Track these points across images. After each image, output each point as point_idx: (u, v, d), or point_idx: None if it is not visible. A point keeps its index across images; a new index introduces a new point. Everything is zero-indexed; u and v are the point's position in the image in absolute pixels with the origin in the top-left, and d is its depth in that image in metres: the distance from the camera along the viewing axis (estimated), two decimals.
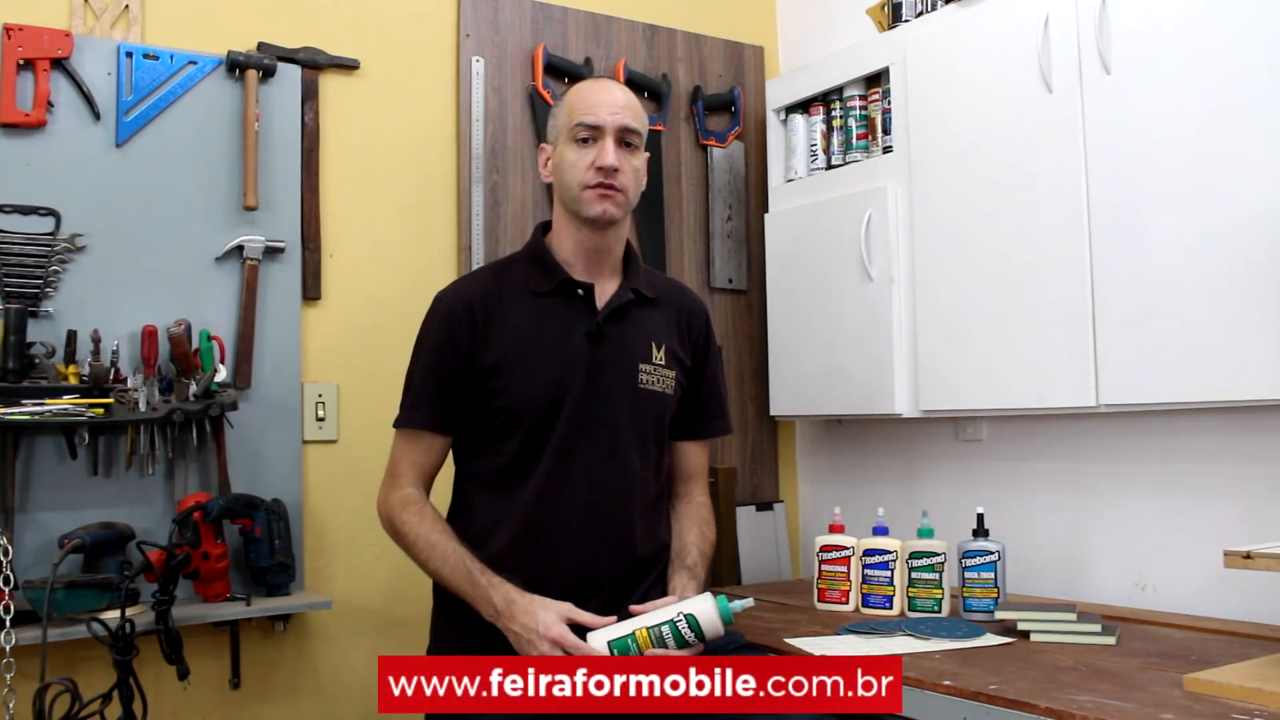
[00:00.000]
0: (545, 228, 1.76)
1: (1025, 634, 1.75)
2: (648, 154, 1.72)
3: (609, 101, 1.64)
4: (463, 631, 1.65)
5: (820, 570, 2.10)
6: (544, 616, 1.50)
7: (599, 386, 1.65)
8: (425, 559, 1.63)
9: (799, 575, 2.71)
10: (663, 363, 1.71)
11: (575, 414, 1.64)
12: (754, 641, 1.80)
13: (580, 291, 1.68)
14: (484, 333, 1.65)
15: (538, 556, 1.61)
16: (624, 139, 1.64)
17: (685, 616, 1.48)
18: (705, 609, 1.48)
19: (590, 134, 1.63)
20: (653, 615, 1.50)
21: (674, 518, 1.78)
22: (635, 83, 2.56)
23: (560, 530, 1.62)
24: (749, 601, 1.51)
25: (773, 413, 2.58)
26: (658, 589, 1.68)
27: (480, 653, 1.49)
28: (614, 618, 1.53)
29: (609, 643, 1.48)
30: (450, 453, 1.74)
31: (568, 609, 1.52)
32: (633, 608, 1.55)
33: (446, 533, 1.63)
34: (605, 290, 1.70)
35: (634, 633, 1.48)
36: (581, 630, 1.51)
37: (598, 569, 1.63)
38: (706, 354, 1.80)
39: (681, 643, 1.48)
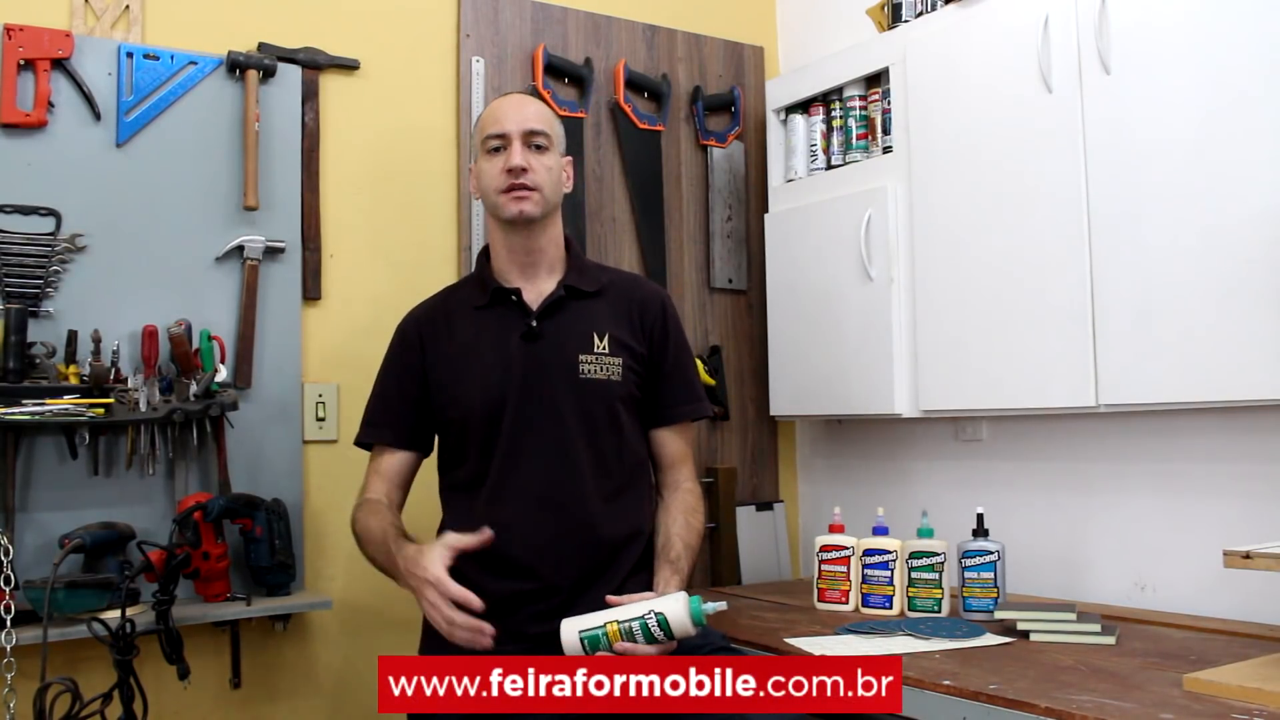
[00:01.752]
0: (487, 251, 1.84)
1: (1025, 634, 1.75)
2: (569, 157, 1.82)
3: (513, 111, 1.75)
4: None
5: (820, 570, 2.10)
6: (424, 560, 1.54)
7: (539, 383, 1.71)
8: (366, 549, 1.72)
9: (799, 575, 2.71)
10: (606, 351, 1.75)
11: (518, 413, 1.70)
12: (745, 642, 1.81)
13: (513, 297, 1.75)
14: (433, 352, 1.77)
15: (497, 552, 1.65)
16: (531, 142, 1.72)
17: (656, 615, 1.49)
18: (676, 609, 1.49)
19: (499, 142, 1.73)
20: (626, 609, 1.52)
21: (661, 510, 1.79)
22: (635, 83, 2.57)
23: (515, 526, 1.66)
24: (721, 605, 1.52)
25: (773, 413, 2.58)
26: (635, 578, 1.70)
27: (469, 649, 1.52)
28: (595, 612, 1.54)
29: (580, 633, 1.50)
30: (437, 469, 1.83)
31: (451, 539, 1.56)
32: (609, 598, 1.57)
33: (380, 516, 1.72)
34: (542, 291, 1.77)
35: (605, 626, 1.50)
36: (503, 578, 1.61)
37: (559, 560, 1.67)
38: (665, 340, 1.82)
39: (650, 639, 1.49)
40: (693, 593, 1.54)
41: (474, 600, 1.49)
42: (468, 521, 1.69)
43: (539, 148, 1.73)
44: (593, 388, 1.72)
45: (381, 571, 1.70)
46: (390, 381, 1.81)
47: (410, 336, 1.80)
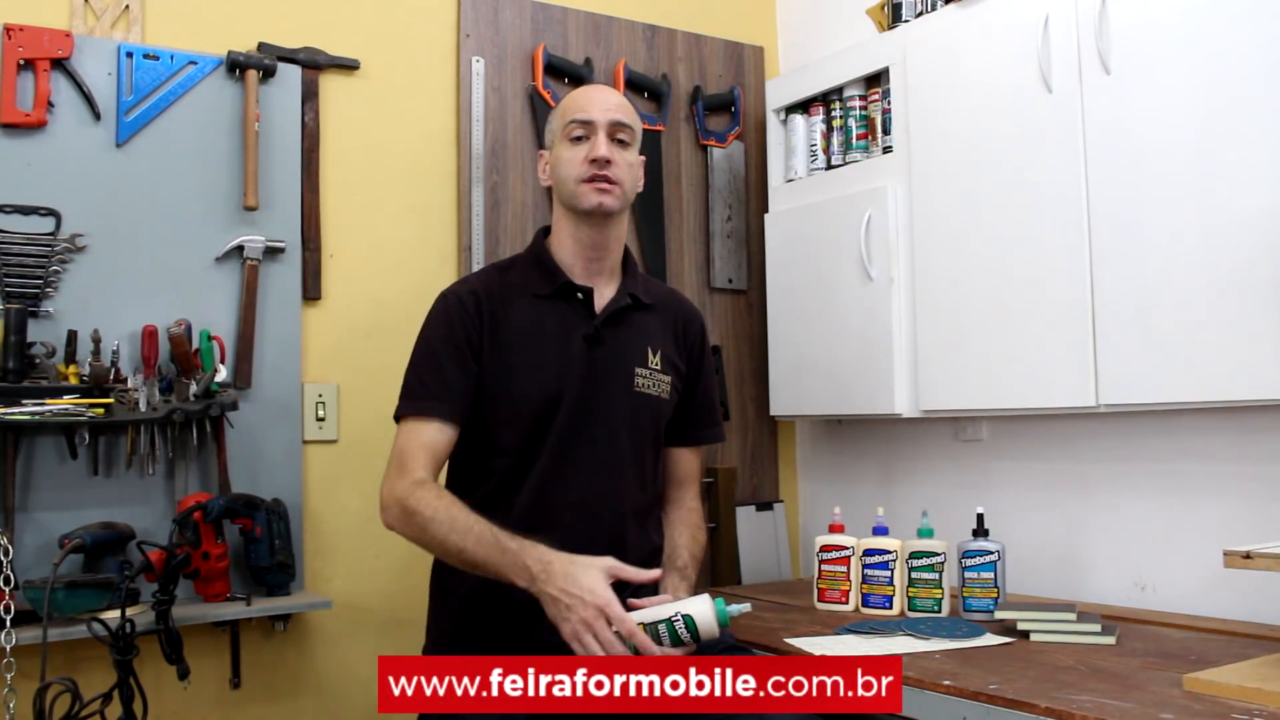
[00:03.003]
0: (545, 232, 1.79)
1: (1025, 634, 1.75)
2: (643, 156, 1.77)
3: (601, 100, 1.71)
4: (460, 631, 1.65)
5: (820, 570, 2.10)
6: (587, 579, 1.42)
7: (596, 389, 1.67)
8: (446, 534, 1.53)
9: (799, 575, 2.71)
10: (659, 368, 1.74)
11: (572, 415, 1.66)
12: (745, 642, 1.80)
13: (580, 295, 1.70)
14: (490, 329, 1.67)
15: None
16: (616, 135, 1.69)
17: (683, 617, 1.48)
18: (703, 611, 1.49)
19: (584, 130, 1.69)
20: (650, 612, 1.50)
21: (666, 523, 1.80)
22: (635, 83, 2.57)
23: (553, 529, 1.61)
24: (746, 606, 1.52)
25: (773, 413, 2.58)
26: (648, 591, 1.68)
27: (477, 652, 1.49)
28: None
29: None
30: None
31: (612, 565, 1.45)
32: (631, 602, 1.54)
33: (466, 508, 1.55)
34: (603, 294, 1.73)
35: None
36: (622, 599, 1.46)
37: None
38: (701, 362, 1.82)
39: (677, 641, 1.48)
40: (714, 595, 1.54)
41: (643, 642, 1.43)
42: (502, 517, 1.58)
43: (622, 142, 1.70)
44: (645, 402, 1.71)
45: (461, 560, 1.53)
46: (448, 351, 1.65)
47: (469, 307, 1.68)
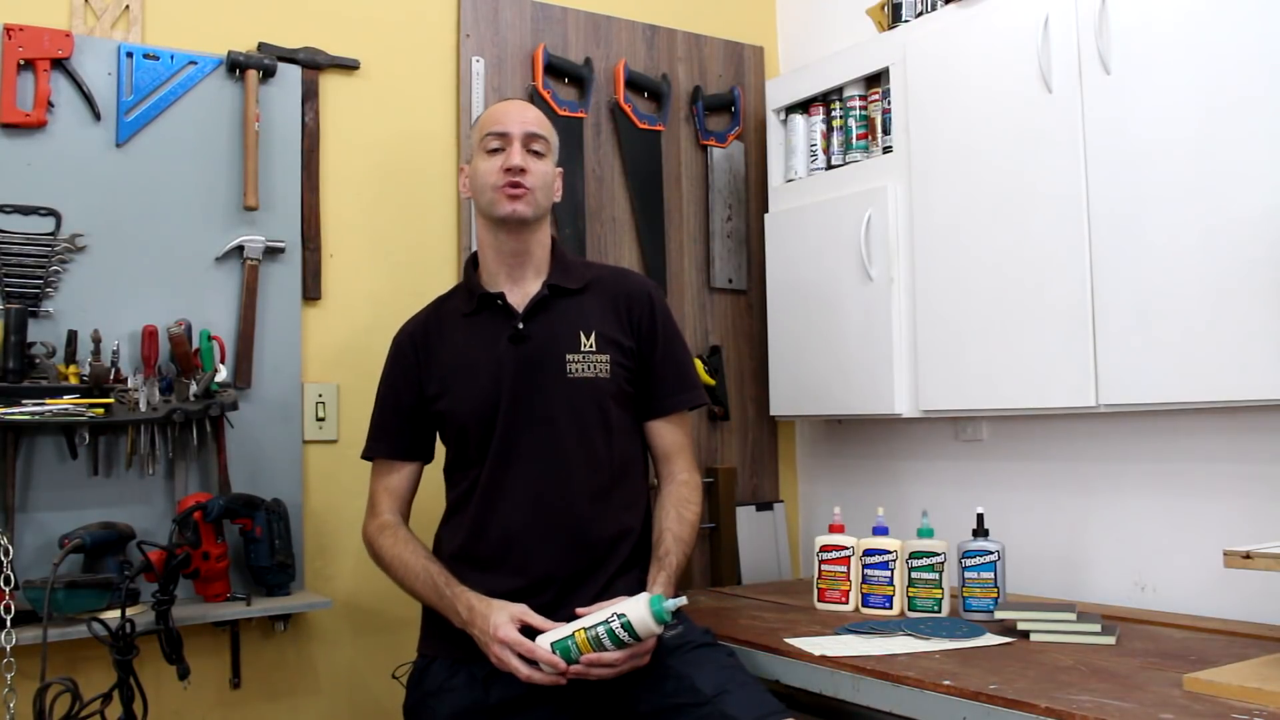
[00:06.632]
0: (475, 258, 1.86)
1: (1025, 634, 1.75)
2: (560, 169, 1.85)
3: (515, 113, 1.79)
4: (451, 627, 1.66)
5: (820, 570, 2.10)
6: (495, 619, 1.59)
7: (529, 385, 1.73)
8: (400, 577, 1.75)
9: (799, 575, 2.71)
10: (593, 349, 1.76)
11: (509, 416, 1.72)
12: (745, 642, 1.81)
13: (499, 301, 1.77)
14: (426, 363, 1.80)
15: (488, 554, 1.71)
16: (530, 146, 1.76)
17: (619, 618, 1.53)
18: (638, 610, 1.53)
19: (500, 142, 1.76)
20: (591, 618, 1.56)
21: (655, 503, 1.81)
22: (635, 83, 2.57)
23: (507, 527, 1.70)
24: (682, 600, 1.55)
25: (773, 413, 2.58)
26: (623, 577, 1.72)
27: (465, 646, 1.62)
28: (564, 624, 1.60)
29: (552, 644, 1.55)
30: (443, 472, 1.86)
31: (521, 611, 1.61)
32: (577, 610, 1.61)
33: (417, 551, 1.75)
34: (528, 293, 1.79)
35: (573, 634, 1.54)
36: (533, 632, 1.59)
37: (548, 561, 1.69)
38: (654, 332, 1.82)
39: (618, 643, 1.53)
40: (655, 591, 1.59)
41: (545, 657, 1.55)
42: (462, 523, 1.74)
43: (536, 153, 1.76)
44: (581, 386, 1.73)
45: (416, 598, 1.75)
46: (388, 395, 1.85)
47: (405, 349, 1.83)
